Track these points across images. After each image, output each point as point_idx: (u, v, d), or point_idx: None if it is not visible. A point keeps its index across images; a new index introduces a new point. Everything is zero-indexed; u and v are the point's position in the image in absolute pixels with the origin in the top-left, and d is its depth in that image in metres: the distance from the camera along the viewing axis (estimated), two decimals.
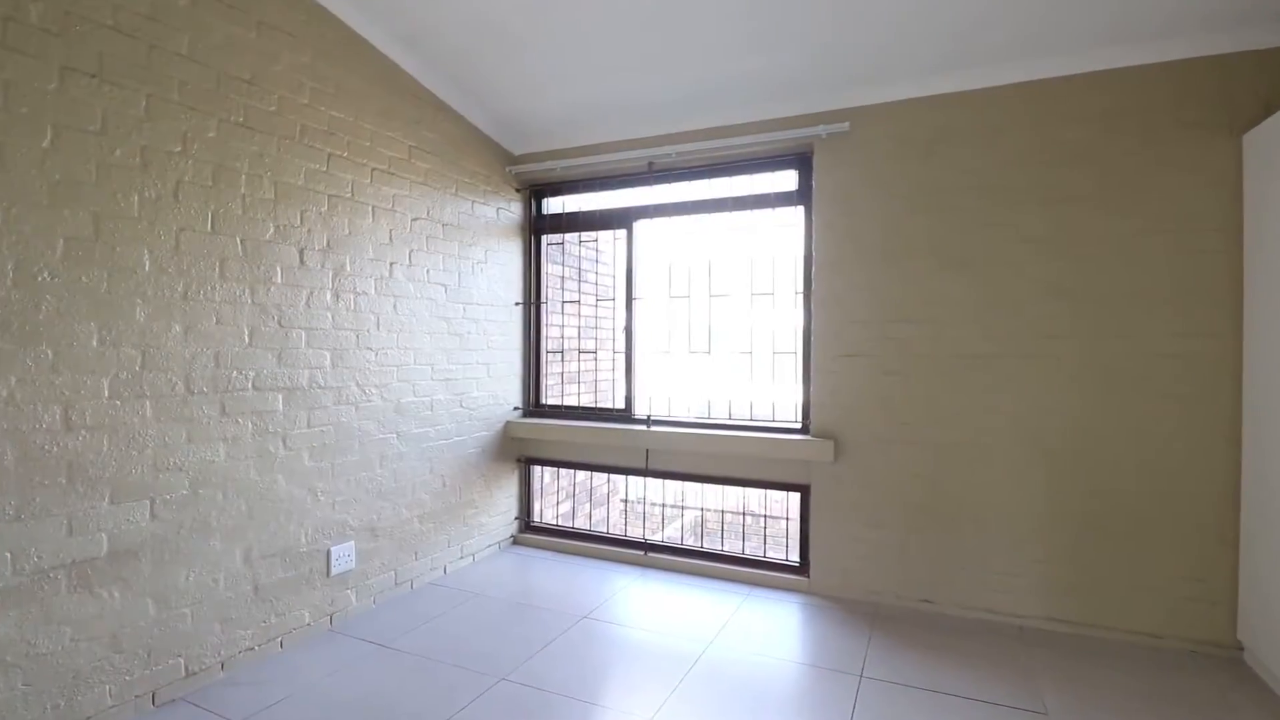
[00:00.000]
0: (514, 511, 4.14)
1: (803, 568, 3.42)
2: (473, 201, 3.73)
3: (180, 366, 2.32)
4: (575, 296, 4.46)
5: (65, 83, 2.02)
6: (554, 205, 4.24)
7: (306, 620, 2.79)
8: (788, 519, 3.68)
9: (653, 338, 3.97)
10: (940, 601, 3.07)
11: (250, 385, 2.55)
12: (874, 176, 3.19)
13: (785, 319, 3.53)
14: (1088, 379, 2.84)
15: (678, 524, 4.69)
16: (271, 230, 2.62)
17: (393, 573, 3.21)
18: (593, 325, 4.51)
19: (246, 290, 2.53)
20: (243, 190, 2.52)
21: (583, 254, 4.58)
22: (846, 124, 3.19)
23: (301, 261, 2.74)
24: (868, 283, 3.20)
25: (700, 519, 4.37)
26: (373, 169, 3.08)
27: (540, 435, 4.01)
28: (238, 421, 2.51)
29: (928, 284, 3.09)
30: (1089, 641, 2.81)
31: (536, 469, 4.25)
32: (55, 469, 2.01)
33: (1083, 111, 2.84)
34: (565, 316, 4.38)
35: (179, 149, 2.31)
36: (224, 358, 2.46)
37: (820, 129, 3.23)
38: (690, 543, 3.87)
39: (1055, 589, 2.90)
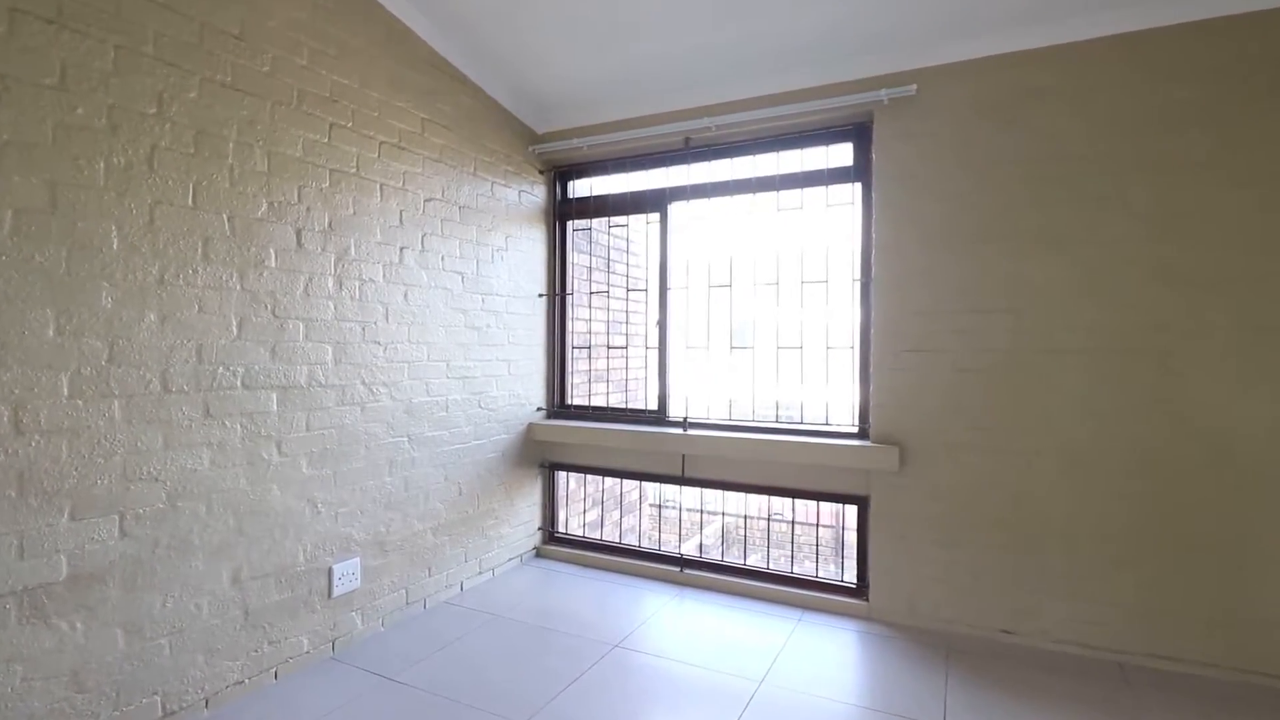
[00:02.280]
0: (537, 521, 3.81)
1: (860, 590, 3.04)
2: (492, 183, 3.40)
3: (156, 361, 2.02)
4: (604, 287, 4.12)
5: (16, 27, 1.72)
6: (580, 188, 3.90)
7: (305, 648, 2.48)
8: (842, 528, 3.30)
9: (689, 332, 3.61)
10: (1023, 632, 2.67)
11: (239, 383, 2.24)
12: (944, 147, 2.80)
13: (840, 310, 3.15)
14: (1202, 376, 2.43)
15: (709, 529, 4.33)
16: (264, 207, 2.31)
17: (403, 591, 2.89)
18: (623, 319, 4.17)
19: (235, 274, 2.22)
20: (230, 160, 2.21)
21: (612, 241, 4.24)
22: (913, 87, 2.81)
23: (299, 243, 2.43)
24: (936, 268, 2.81)
25: (742, 524, 4.01)
26: (381, 142, 2.76)
27: (566, 438, 3.68)
28: (224, 424, 2.20)
29: (1008, 269, 2.69)
30: (1204, 683, 2.39)
31: (561, 475, 3.91)
32: (3, 480, 1.70)
33: (1200, 64, 2.43)
34: (593, 310, 4.04)
35: (154, 110, 2.00)
36: (208, 351, 2.15)
37: (881, 93, 2.85)
38: (730, 554, 3.51)
39: (1163, 621, 2.49)
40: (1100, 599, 2.56)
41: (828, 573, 3.22)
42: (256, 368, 2.29)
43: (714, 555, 3.47)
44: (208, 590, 2.17)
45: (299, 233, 2.43)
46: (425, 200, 2.98)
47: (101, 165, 1.88)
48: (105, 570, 1.91)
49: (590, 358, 4.06)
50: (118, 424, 1.93)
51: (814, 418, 3.24)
